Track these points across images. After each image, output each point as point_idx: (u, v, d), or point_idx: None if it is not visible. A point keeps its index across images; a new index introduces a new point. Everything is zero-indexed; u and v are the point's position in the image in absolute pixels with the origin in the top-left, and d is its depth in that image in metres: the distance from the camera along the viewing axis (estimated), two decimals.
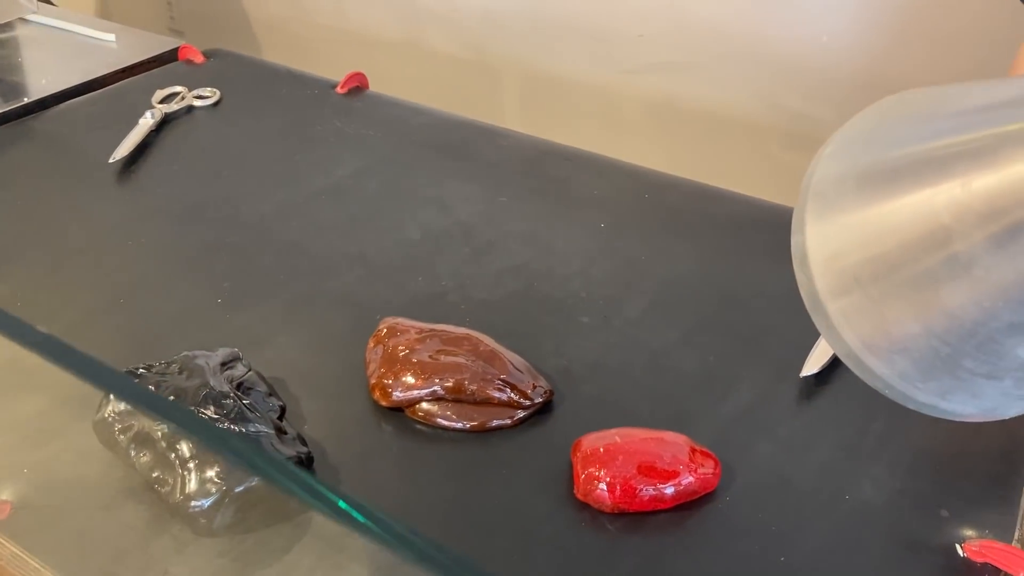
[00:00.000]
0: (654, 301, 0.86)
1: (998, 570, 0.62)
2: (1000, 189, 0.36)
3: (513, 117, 2.08)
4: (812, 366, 0.77)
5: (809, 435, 0.72)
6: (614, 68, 1.90)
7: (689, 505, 0.66)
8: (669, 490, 0.66)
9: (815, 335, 0.80)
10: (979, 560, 0.63)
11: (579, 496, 0.66)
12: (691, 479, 0.66)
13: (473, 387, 0.72)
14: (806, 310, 0.85)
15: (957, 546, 0.64)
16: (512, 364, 0.74)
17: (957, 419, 0.44)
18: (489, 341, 0.75)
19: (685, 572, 0.62)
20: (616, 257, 0.92)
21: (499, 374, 0.73)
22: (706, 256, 0.92)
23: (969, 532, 0.65)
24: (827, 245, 0.43)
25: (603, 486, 0.65)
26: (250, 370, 0.72)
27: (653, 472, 0.66)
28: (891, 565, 0.63)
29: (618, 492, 0.65)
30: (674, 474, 0.66)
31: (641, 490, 0.65)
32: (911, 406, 0.43)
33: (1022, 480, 0.69)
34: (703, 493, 0.67)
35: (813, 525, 0.65)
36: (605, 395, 0.76)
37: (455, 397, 0.72)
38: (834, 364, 0.77)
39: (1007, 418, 0.44)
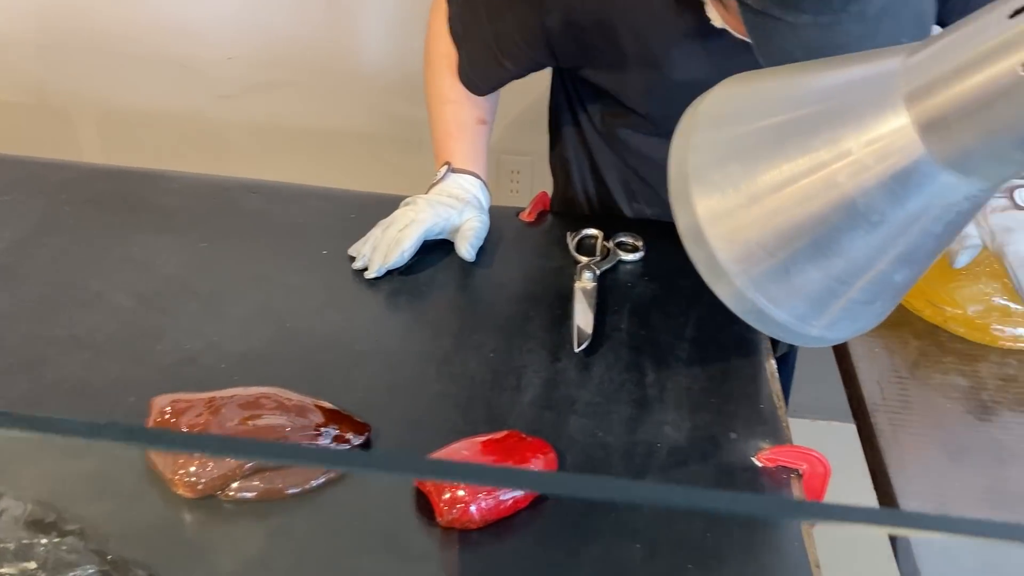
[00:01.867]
0: (412, 313, 0.86)
1: (788, 468, 0.74)
2: (890, 143, 0.43)
3: (94, 158, 1.89)
4: (582, 340, 0.83)
5: (603, 401, 0.78)
6: (207, 93, 1.81)
7: (541, 496, 0.69)
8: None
9: (562, 313, 0.87)
10: (773, 464, 0.74)
11: (443, 523, 0.65)
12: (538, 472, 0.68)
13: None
14: (544, 293, 0.91)
15: (753, 459, 0.74)
16: (323, 411, 0.70)
17: (832, 343, 0.51)
18: (289, 394, 0.70)
19: (587, 556, 0.64)
20: (352, 279, 0.89)
21: (314, 424, 0.68)
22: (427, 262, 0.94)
23: (756, 444, 0.75)
24: (724, 220, 0.48)
25: (466, 505, 0.64)
26: (23, 502, 0.59)
27: None
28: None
29: (484, 506, 0.65)
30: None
31: (503, 497, 0.66)
32: (798, 342, 0.50)
33: (770, 394, 0.81)
34: None
35: (648, 478, 0.71)
36: (413, 415, 0.75)
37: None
38: (594, 333, 0.84)
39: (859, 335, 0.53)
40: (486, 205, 0.97)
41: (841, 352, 0.91)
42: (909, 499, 0.74)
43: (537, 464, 0.68)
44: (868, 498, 0.80)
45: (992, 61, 0.40)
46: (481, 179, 0.97)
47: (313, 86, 1.77)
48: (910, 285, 0.50)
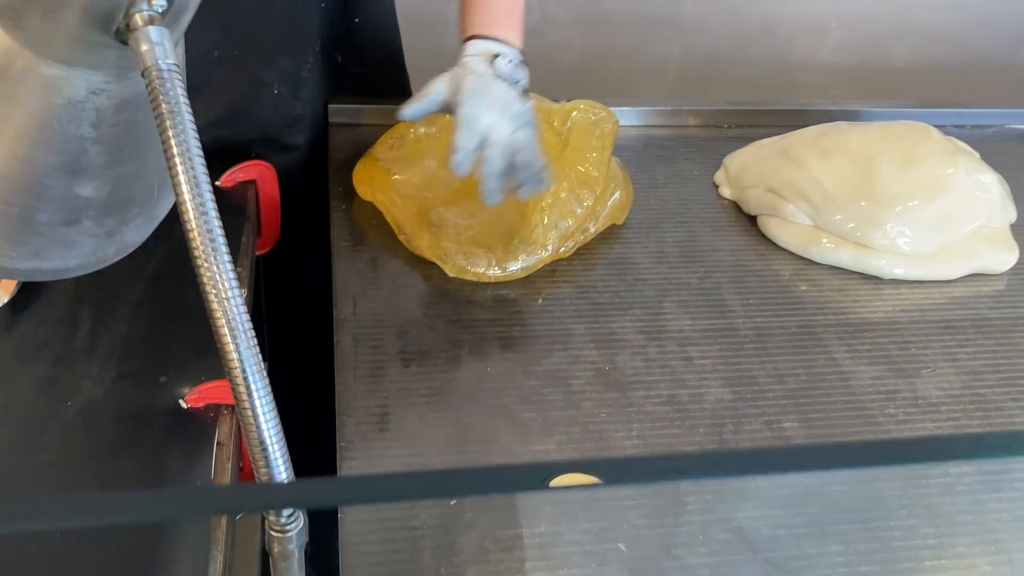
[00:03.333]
0: None
1: (218, 405, 0.70)
2: None
3: None
4: (1, 296, 0.74)
5: (15, 364, 0.70)
6: None
7: None
8: None
9: None
10: (201, 404, 0.69)
11: None
12: None
13: None
14: None
15: (180, 401, 0.69)
16: None
17: (69, 275, 0.46)
18: None
19: None
20: None
21: None
22: None
23: (188, 388, 0.70)
24: None
25: None
26: None
27: None
28: (130, 445, 0.66)
29: None
30: None
31: None
32: (22, 278, 0.44)
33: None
34: None
35: (48, 440, 0.65)
36: None
37: None
38: (27, 286, 0.76)
39: (116, 260, 0.48)
40: None
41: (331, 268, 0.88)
42: (352, 415, 0.72)
43: None
44: None
45: None
46: None
47: None
48: (121, 197, 0.45)
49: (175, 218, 0.43)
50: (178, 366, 0.72)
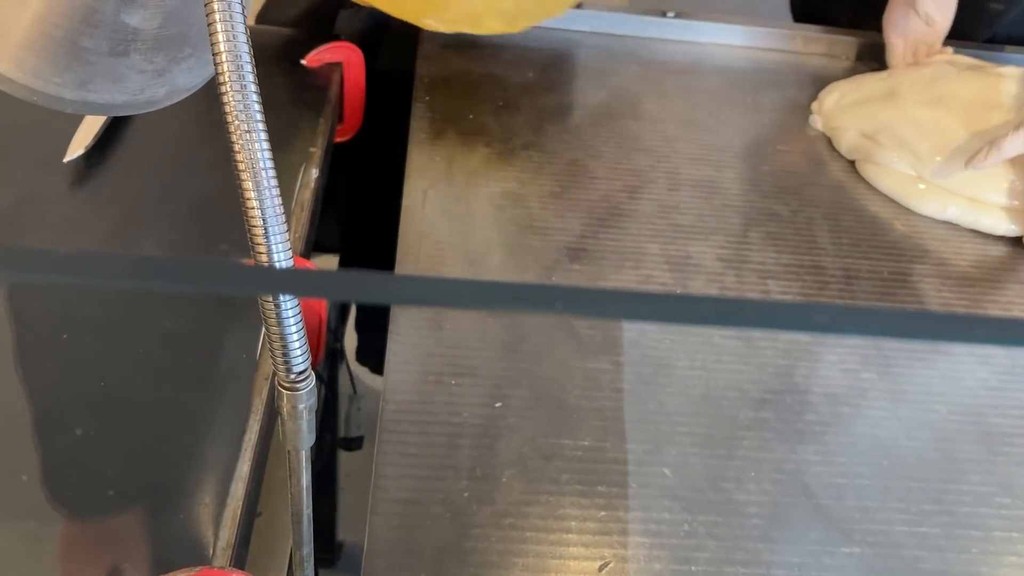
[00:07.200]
0: None
1: None
2: None
3: None
4: (76, 148, 0.74)
5: (83, 216, 0.70)
6: None
7: None
8: None
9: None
10: None
11: None
12: None
13: None
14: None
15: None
16: None
17: (117, 112, 0.44)
18: None
19: None
20: None
21: None
22: None
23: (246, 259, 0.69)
24: None
25: None
26: None
27: None
28: (176, 309, 0.65)
29: None
30: None
31: None
32: (69, 109, 0.43)
33: (301, 205, 0.75)
34: None
35: (90, 295, 0.65)
36: None
37: None
38: (103, 142, 0.75)
39: (167, 103, 0.46)
40: None
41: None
42: (407, 308, 0.70)
43: None
44: None
45: None
46: None
47: None
48: (171, 32, 0.42)
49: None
50: (240, 234, 0.71)
